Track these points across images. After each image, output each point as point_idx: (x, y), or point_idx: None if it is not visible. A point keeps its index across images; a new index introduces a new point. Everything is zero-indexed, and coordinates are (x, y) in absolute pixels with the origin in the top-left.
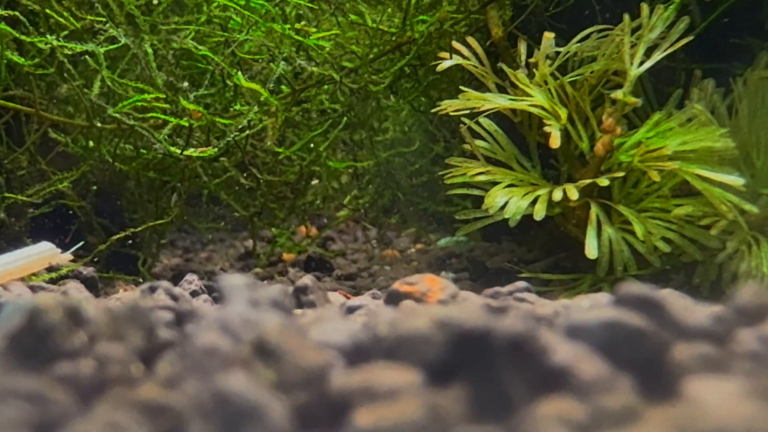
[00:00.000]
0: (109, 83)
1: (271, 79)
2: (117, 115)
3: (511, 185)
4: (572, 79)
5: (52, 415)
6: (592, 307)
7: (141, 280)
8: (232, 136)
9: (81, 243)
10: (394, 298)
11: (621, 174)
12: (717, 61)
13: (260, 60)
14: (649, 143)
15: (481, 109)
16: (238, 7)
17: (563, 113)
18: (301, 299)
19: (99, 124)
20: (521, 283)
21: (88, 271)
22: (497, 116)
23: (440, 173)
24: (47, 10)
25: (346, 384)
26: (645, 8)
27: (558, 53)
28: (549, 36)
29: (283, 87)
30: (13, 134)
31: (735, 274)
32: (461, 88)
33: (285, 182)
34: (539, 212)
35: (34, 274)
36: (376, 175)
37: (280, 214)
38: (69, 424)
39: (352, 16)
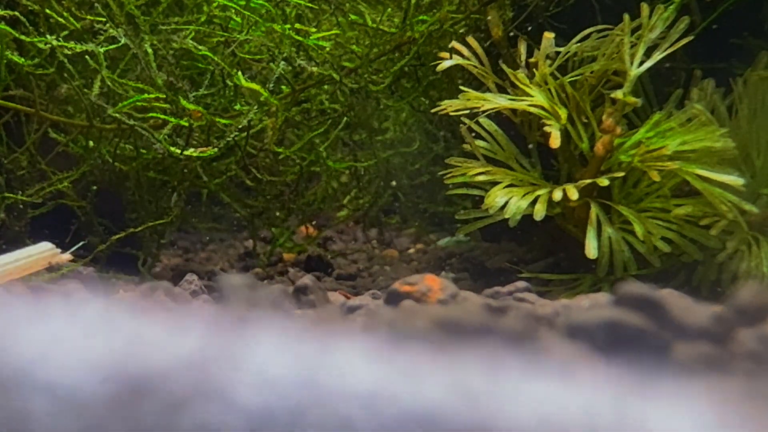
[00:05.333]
0: (109, 83)
1: (271, 79)
2: (117, 115)
3: (511, 185)
4: (572, 79)
5: None
6: (592, 307)
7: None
8: (232, 136)
9: (81, 243)
10: (394, 298)
11: (621, 174)
12: (717, 61)
13: (260, 60)
14: (649, 143)
15: (481, 109)
16: (238, 7)
17: (563, 113)
18: (301, 299)
19: (99, 124)
20: (521, 283)
21: (88, 271)
22: (497, 116)
23: (440, 173)
24: (47, 10)
25: None
26: (645, 8)
27: (558, 53)
28: (549, 36)
29: (283, 87)
30: (13, 134)
31: (735, 274)
32: (461, 88)
33: (285, 182)
34: (539, 212)
35: (34, 274)
36: (376, 175)
37: (280, 214)
38: None
39: (352, 16)
